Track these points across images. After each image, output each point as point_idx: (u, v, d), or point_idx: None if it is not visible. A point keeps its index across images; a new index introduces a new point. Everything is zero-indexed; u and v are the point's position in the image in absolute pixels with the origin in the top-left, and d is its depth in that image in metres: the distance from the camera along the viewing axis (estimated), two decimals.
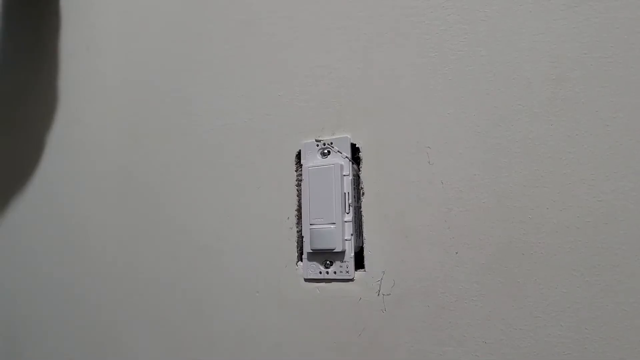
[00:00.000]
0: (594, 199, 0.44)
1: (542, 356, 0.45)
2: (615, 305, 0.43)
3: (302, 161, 0.57)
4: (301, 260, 0.57)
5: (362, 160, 0.55)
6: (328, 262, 0.54)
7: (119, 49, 0.77)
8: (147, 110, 0.72)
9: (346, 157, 0.55)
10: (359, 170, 0.55)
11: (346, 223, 0.53)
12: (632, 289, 0.42)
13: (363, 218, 0.54)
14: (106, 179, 0.76)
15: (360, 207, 0.54)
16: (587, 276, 0.44)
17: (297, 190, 0.58)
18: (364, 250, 0.53)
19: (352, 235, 0.53)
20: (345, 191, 0.54)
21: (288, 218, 0.58)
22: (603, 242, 0.43)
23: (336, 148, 0.55)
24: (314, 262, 0.55)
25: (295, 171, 0.58)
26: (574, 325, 0.44)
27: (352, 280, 0.53)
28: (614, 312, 0.43)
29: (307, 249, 0.55)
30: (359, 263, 0.54)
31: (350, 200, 0.54)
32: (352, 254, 0.53)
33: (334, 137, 0.56)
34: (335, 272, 0.54)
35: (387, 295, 0.51)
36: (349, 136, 0.55)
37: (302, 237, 0.56)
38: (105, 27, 0.79)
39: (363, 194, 0.54)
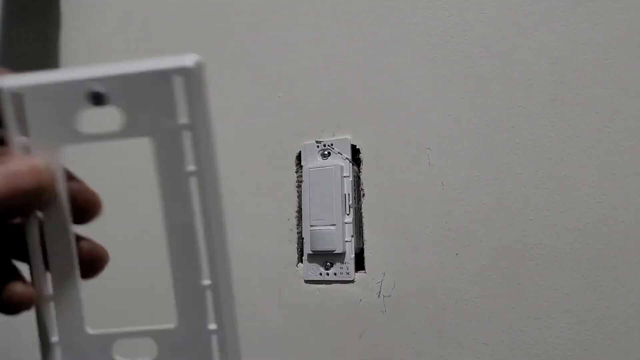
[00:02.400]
0: (594, 200, 0.44)
1: (542, 358, 0.45)
2: (615, 307, 0.43)
3: (302, 162, 0.57)
4: (301, 262, 0.57)
5: (363, 162, 0.54)
6: (328, 263, 0.54)
7: (119, 50, 0.77)
8: None
9: (346, 158, 0.55)
10: (360, 172, 0.55)
11: (346, 224, 0.53)
12: (633, 291, 0.42)
13: (363, 219, 0.54)
14: (106, 180, 0.76)
15: (360, 209, 0.54)
16: (588, 277, 0.44)
17: (298, 192, 0.58)
18: (364, 251, 0.53)
19: (352, 236, 0.53)
20: (345, 192, 0.54)
21: (288, 219, 0.58)
22: (603, 244, 0.43)
23: (336, 149, 0.55)
24: (314, 264, 0.55)
25: (296, 172, 0.58)
26: (575, 327, 0.44)
27: (352, 281, 0.53)
28: (615, 314, 0.43)
29: (307, 250, 0.55)
30: (359, 264, 0.54)
31: (350, 202, 0.54)
32: (353, 256, 0.53)
33: (334, 138, 0.56)
34: (335, 274, 0.54)
35: (388, 296, 0.51)
36: (349, 137, 0.55)
37: (303, 238, 0.56)
38: (106, 28, 0.79)
39: (363, 195, 0.54)
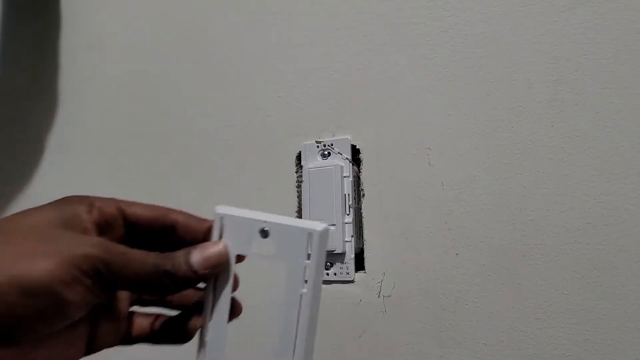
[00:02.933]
0: (594, 200, 0.44)
1: (543, 358, 0.45)
2: (616, 307, 0.43)
3: (302, 162, 0.57)
4: None
5: (363, 162, 0.54)
6: (328, 263, 0.54)
7: (120, 51, 0.77)
8: (148, 111, 0.72)
9: (346, 158, 0.55)
10: (360, 172, 0.55)
11: (346, 224, 0.53)
12: (633, 291, 0.42)
13: (363, 219, 0.54)
14: (106, 180, 0.76)
15: (360, 209, 0.54)
16: (588, 278, 0.44)
17: (298, 192, 0.58)
18: (364, 251, 0.53)
19: (352, 236, 0.53)
20: (345, 192, 0.54)
21: None
22: (604, 244, 0.43)
23: (336, 149, 0.55)
24: None
25: (296, 172, 0.58)
26: (575, 327, 0.44)
27: (352, 281, 0.53)
28: (615, 314, 0.43)
29: None
30: (359, 264, 0.54)
31: (350, 202, 0.54)
32: (352, 256, 0.53)
33: (334, 138, 0.56)
34: (335, 274, 0.54)
35: (388, 296, 0.51)
36: (349, 137, 0.55)
37: None
38: (106, 27, 0.79)
39: (363, 195, 0.54)
